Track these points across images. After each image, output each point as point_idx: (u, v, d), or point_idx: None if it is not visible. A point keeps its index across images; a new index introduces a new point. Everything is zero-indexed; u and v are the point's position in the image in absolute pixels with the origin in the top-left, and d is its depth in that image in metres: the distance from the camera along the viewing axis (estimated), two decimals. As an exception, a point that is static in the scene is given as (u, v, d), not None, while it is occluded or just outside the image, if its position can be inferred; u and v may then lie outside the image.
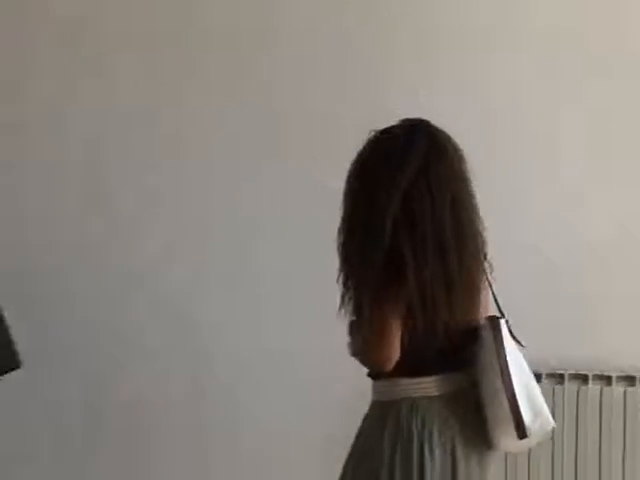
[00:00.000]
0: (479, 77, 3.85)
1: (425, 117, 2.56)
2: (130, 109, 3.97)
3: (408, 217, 2.33)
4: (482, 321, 2.50)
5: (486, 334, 2.45)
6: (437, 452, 2.40)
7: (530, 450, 3.18)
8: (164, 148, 3.90)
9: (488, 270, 2.51)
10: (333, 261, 2.52)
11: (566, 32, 3.79)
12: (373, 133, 2.46)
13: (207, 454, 3.94)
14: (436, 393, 2.45)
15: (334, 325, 2.59)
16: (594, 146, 3.80)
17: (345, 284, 2.46)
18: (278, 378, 3.81)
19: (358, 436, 2.55)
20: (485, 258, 2.49)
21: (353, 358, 2.56)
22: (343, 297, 2.47)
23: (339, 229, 2.48)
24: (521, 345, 2.46)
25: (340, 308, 2.49)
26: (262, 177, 3.77)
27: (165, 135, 3.90)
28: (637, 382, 3.49)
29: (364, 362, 2.49)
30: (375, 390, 2.52)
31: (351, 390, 2.95)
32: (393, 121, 2.49)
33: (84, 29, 3.98)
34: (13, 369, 3.02)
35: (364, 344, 2.45)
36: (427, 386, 2.46)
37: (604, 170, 3.82)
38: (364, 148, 2.46)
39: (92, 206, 3.98)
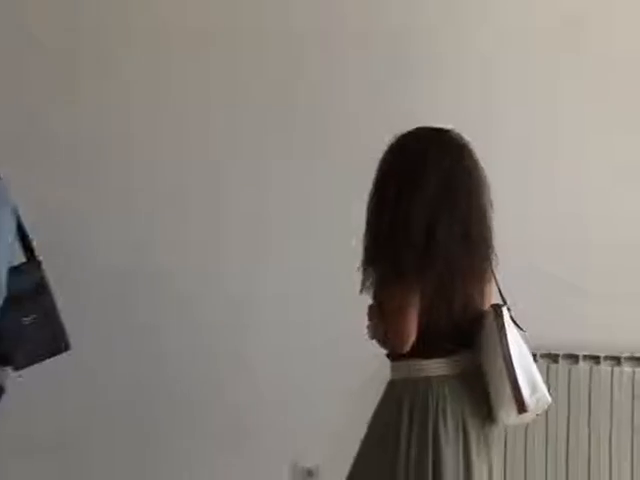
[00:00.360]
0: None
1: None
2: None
3: (430, 215, 2.57)
4: (487, 308, 2.73)
5: (490, 320, 2.67)
6: (450, 426, 2.61)
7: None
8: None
9: (494, 263, 2.74)
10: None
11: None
12: (395, 137, 2.68)
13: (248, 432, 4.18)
14: (448, 373, 2.66)
15: (356, 308, 2.83)
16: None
17: (366, 270, 2.66)
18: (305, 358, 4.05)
19: (376, 412, 2.75)
20: (492, 252, 2.73)
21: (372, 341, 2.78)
22: (364, 283, 2.67)
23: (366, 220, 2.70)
24: (521, 329, 2.68)
25: (361, 292, 2.70)
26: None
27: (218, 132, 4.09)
28: (623, 362, 3.77)
29: (383, 344, 2.71)
30: (393, 370, 2.73)
31: (370, 370, 3.18)
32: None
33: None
34: (62, 351, 3.22)
35: (385, 326, 2.66)
36: (440, 366, 2.67)
37: (601, 164, 4.03)
38: (389, 152, 2.69)
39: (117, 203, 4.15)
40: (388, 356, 2.77)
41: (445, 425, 2.65)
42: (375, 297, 2.73)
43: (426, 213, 2.60)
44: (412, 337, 2.60)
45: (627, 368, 3.81)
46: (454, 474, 2.68)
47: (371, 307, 2.79)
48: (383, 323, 2.70)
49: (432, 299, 2.64)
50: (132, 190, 4.15)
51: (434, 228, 2.61)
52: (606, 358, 3.81)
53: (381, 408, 2.77)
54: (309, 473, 4.25)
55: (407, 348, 2.61)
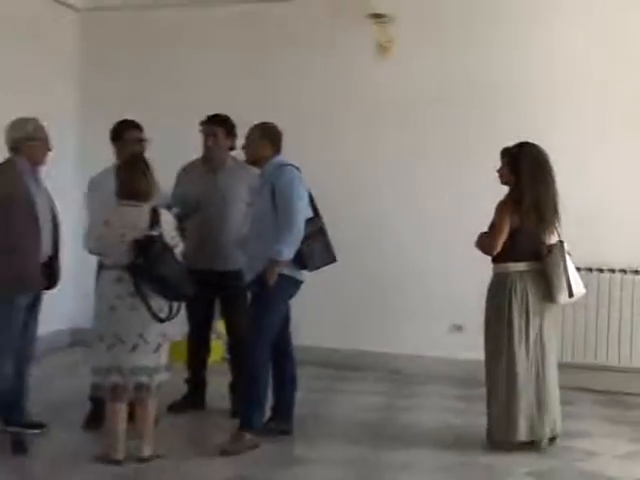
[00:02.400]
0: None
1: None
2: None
3: (551, 187, 4.67)
4: (555, 242, 4.67)
5: (558, 247, 4.65)
6: (518, 296, 4.64)
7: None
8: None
9: (560, 219, 4.70)
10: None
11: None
12: (529, 145, 4.72)
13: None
14: (523, 269, 4.69)
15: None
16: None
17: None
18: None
19: (487, 291, 4.79)
20: (559, 213, 4.68)
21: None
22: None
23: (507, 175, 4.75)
24: (569, 254, 4.69)
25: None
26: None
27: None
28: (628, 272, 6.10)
29: (482, 250, 4.73)
30: (494, 268, 4.76)
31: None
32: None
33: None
34: (333, 262, 5.04)
35: (489, 240, 4.66)
36: (519, 266, 4.70)
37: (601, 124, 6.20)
38: (531, 152, 4.71)
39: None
40: (492, 260, 4.74)
41: (515, 294, 4.65)
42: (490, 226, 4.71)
43: (554, 184, 4.67)
44: (498, 248, 4.63)
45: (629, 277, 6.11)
46: (519, 318, 4.63)
47: (481, 234, 4.76)
48: (490, 238, 4.66)
49: (524, 230, 4.62)
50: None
51: (554, 192, 4.65)
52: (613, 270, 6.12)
53: (489, 289, 4.79)
54: (459, 328, 6.48)
55: (494, 253, 4.66)
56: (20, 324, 4.88)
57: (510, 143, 4.87)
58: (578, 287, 4.68)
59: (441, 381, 6.42)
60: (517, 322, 4.65)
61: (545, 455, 4.82)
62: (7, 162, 4.85)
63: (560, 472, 4.64)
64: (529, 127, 5.75)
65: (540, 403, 4.69)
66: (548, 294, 4.66)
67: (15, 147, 4.86)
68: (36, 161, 4.90)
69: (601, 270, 6.12)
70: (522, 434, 4.64)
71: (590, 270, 6.01)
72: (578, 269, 4.95)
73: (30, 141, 4.85)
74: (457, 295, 6.27)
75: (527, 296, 4.66)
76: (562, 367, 5.12)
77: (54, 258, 4.98)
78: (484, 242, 4.73)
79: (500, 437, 4.70)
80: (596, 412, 5.89)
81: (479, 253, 4.87)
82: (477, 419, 5.22)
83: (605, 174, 6.18)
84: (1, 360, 4.80)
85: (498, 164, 4.84)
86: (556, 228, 4.73)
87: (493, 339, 4.69)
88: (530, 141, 4.76)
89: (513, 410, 4.61)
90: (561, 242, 4.69)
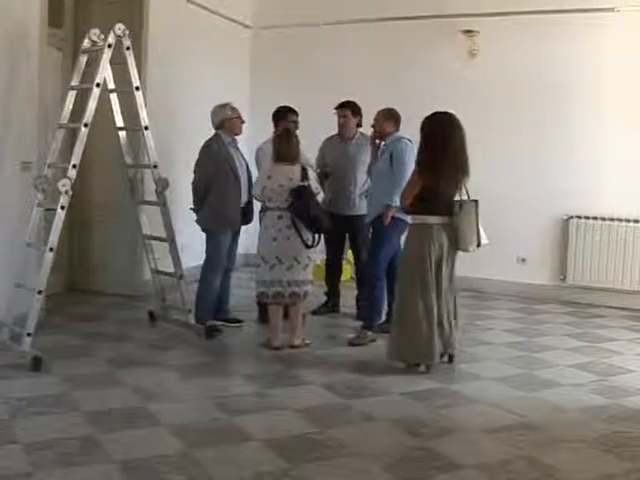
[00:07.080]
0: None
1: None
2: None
3: (453, 148, 4.71)
4: (467, 199, 4.76)
5: (470, 205, 4.75)
6: (436, 243, 4.77)
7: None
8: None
9: (468, 176, 4.78)
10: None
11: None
12: (433, 114, 4.81)
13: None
14: (436, 222, 4.82)
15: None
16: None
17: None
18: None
19: (407, 235, 4.99)
20: (468, 170, 4.75)
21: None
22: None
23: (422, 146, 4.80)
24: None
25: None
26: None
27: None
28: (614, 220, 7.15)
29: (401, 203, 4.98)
30: (412, 219, 4.95)
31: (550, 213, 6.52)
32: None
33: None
34: None
35: (405, 194, 4.83)
36: (433, 219, 4.83)
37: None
38: (431, 119, 4.82)
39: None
40: (405, 211, 5.00)
41: (433, 242, 4.79)
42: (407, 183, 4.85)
43: (451, 147, 4.69)
44: (407, 203, 4.81)
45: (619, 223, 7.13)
46: (437, 260, 4.76)
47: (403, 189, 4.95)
48: (407, 192, 4.81)
49: (438, 187, 4.69)
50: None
51: (453, 153, 4.68)
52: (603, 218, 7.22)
53: (409, 235, 4.97)
54: (523, 260, 7.63)
55: (405, 206, 4.86)
56: (226, 251, 5.96)
57: (567, 124, 6.36)
58: (484, 239, 4.91)
59: (509, 298, 7.57)
60: (434, 267, 4.88)
61: (579, 353, 5.75)
62: (215, 136, 5.89)
63: (593, 364, 5.48)
64: (579, 113, 7.22)
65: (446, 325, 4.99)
66: (458, 244, 4.87)
67: (219, 125, 5.89)
68: (235, 132, 5.93)
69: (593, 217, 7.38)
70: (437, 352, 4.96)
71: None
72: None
73: (229, 119, 5.88)
74: (523, 236, 7.50)
75: (441, 243, 4.87)
76: (597, 290, 6.74)
77: (249, 202, 5.96)
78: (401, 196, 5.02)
79: (414, 356, 5.01)
80: (621, 324, 6.87)
81: (542, 206, 6.45)
82: (532, 325, 6.51)
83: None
84: (215, 276, 5.92)
85: (558, 140, 6.17)
86: (461, 188, 4.89)
87: (415, 279, 4.91)
88: (444, 111, 4.92)
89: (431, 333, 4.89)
90: (475, 201, 4.89)
